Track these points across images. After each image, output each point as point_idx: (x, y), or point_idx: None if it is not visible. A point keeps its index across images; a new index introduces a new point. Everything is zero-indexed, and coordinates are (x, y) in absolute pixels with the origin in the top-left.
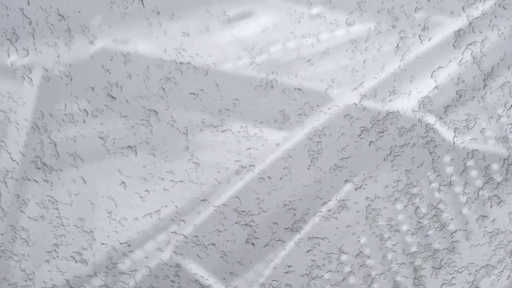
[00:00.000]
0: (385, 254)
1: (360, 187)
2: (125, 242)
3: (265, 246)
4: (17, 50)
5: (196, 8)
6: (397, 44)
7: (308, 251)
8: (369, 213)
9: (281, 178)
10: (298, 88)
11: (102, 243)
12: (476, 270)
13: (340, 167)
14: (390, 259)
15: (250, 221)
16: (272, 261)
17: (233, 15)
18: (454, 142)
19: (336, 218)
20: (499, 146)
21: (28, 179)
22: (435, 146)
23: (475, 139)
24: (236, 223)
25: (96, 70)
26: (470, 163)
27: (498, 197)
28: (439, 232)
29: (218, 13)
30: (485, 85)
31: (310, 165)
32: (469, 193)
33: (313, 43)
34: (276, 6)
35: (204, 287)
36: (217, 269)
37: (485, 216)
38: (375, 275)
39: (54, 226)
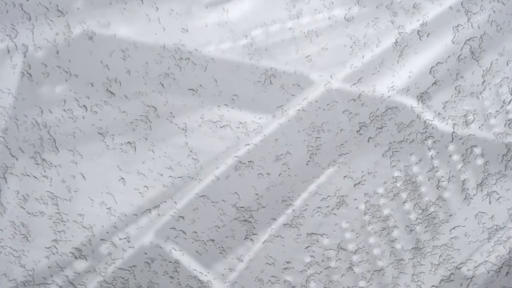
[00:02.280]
0: (383, 250)
1: (359, 183)
2: (124, 238)
3: (264, 242)
4: (16, 46)
5: None
6: (396, 40)
7: (307, 247)
8: (368, 209)
9: (280, 174)
10: (297, 84)
11: (102, 239)
12: (475, 266)
13: (339, 163)
14: (389, 255)
15: (249, 217)
16: (271, 257)
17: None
18: (452, 138)
19: (335, 214)
20: (498, 142)
21: (27, 175)
22: (434, 142)
23: (474, 135)
24: (235, 219)
25: (95, 65)
26: (469, 159)
27: (497, 193)
28: (438, 228)
29: None
30: (483, 81)
31: (309, 161)
32: (467, 189)
33: (311, 38)
34: None
35: (203, 283)
36: (216, 265)
37: (484, 212)
38: (374, 271)
39: (54, 222)
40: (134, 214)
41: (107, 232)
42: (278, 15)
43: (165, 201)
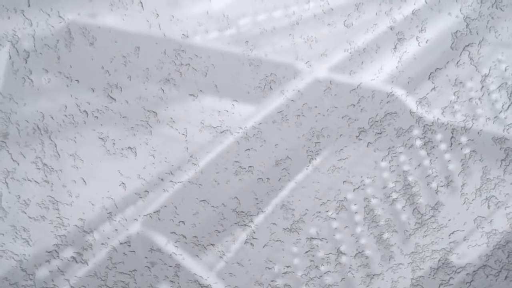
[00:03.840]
0: (383, 254)
1: (358, 187)
2: (125, 242)
3: (264, 246)
4: (17, 52)
5: None
6: (395, 46)
7: (307, 251)
8: (367, 214)
9: (279, 179)
10: (297, 90)
11: (102, 244)
12: (474, 271)
13: (339, 168)
14: (388, 259)
15: (249, 221)
16: (271, 261)
17: None
18: (451, 143)
19: (334, 218)
20: (496, 147)
21: (29, 180)
22: (433, 147)
23: (473, 140)
24: (235, 223)
25: (96, 71)
26: (467, 164)
27: (496, 198)
28: (437, 233)
29: None
30: (482, 87)
31: (308, 166)
32: (466, 193)
33: (311, 44)
34: None
35: (203, 287)
36: (217, 269)
37: (483, 217)
38: (374, 275)
39: (55, 227)
40: (135, 219)
41: (108, 238)
42: (278, 21)
43: (166, 206)
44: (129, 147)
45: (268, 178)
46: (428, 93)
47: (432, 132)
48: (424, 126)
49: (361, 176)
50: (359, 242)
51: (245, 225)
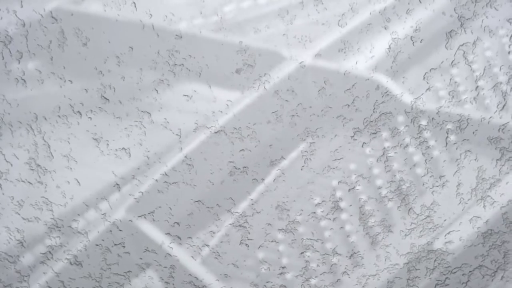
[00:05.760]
0: (378, 254)
1: (353, 188)
2: (119, 244)
3: (259, 247)
4: (10, 52)
5: None
6: (389, 46)
7: (302, 252)
8: (363, 214)
9: (274, 179)
10: (291, 90)
11: (97, 245)
12: (470, 271)
13: (333, 168)
14: (384, 260)
15: (244, 222)
16: (266, 262)
17: None
18: (447, 143)
19: (329, 219)
20: (491, 147)
21: (22, 181)
22: (428, 147)
23: (468, 139)
24: (230, 224)
25: (90, 72)
26: (463, 163)
27: (491, 198)
28: (433, 233)
29: None
30: (477, 86)
31: (303, 166)
32: (462, 193)
33: (305, 44)
34: None
35: None
36: (212, 270)
37: (478, 217)
38: (369, 276)
39: (49, 228)
40: (129, 220)
41: (103, 240)
42: (272, 21)
43: (160, 207)
44: (123, 148)
45: (262, 179)
46: (423, 93)
47: (427, 132)
48: (419, 126)
49: (356, 176)
50: (354, 242)
51: (240, 225)
